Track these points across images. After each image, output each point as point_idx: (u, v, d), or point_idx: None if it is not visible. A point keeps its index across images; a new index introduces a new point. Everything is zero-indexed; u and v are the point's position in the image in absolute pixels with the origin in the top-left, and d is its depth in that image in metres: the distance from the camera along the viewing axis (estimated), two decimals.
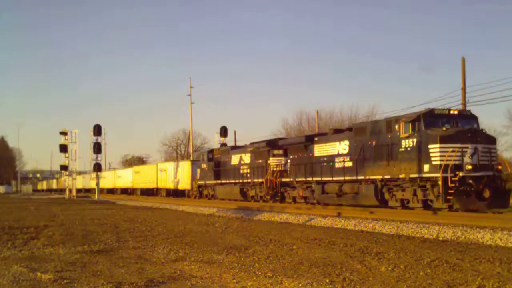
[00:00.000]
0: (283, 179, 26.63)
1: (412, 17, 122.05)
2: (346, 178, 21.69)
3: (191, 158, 54.12)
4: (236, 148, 34.54)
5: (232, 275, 7.98)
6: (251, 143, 31.62)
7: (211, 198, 35.85)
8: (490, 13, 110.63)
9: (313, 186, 24.12)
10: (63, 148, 52.30)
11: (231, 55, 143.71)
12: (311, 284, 7.23)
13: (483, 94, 42.78)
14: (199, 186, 38.17)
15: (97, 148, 48.94)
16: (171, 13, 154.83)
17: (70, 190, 55.55)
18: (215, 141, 50.02)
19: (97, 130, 48.54)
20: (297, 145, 26.02)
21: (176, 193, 47.13)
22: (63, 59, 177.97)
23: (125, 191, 64.61)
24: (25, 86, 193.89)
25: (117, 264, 9.21)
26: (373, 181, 20.16)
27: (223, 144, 38.98)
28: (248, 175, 30.10)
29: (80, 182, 73.33)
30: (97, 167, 49.47)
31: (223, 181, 33.51)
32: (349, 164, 21.64)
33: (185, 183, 43.36)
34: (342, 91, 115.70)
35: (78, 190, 72.85)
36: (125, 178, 63.98)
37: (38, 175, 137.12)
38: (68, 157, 52.82)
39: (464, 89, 28.55)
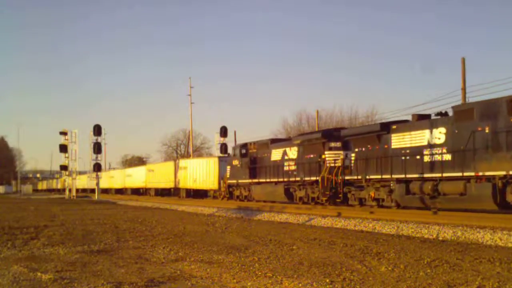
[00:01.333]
0: (347, 177, 22.19)
1: (412, 17, 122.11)
2: (445, 175, 17.32)
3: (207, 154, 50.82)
4: (277, 142, 29.42)
5: (232, 275, 7.98)
6: (299, 135, 27.48)
7: (243, 200, 31.31)
8: (489, 13, 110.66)
9: (392, 185, 19.76)
10: (63, 148, 52.32)
11: (231, 55, 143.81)
12: (311, 284, 7.23)
13: (483, 94, 42.88)
14: (229, 186, 33.36)
15: (97, 148, 48.94)
16: (171, 13, 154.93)
17: (70, 190, 55.54)
18: (215, 141, 50.08)
19: (97, 130, 48.54)
20: (366, 135, 21.30)
21: (197, 194, 42.52)
22: (63, 59, 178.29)
23: (136, 191, 59.72)
24: (25, 86, 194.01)
25: (117, 264, 9.21)
26: (490, 178, 15.85)
27: (244, 145, 31.58)
28: (295, 173, 25.67)
29: (85, 182, 71.41)
30: (97, 167, 49.47)
31: (261, 180, 28.84)
32: (447, 157, 17.39)
33: (210, 183, 38.50)
34: (342, 91, 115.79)
35: (83, 190, 72.49)
36: (137, 177, 58.60)
37: (38, 175, 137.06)
38: (68, 157, 52.84)
39: (464, 89, 28.56)
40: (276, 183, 27.17)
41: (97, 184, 50.07)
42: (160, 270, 8.52)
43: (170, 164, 48.74)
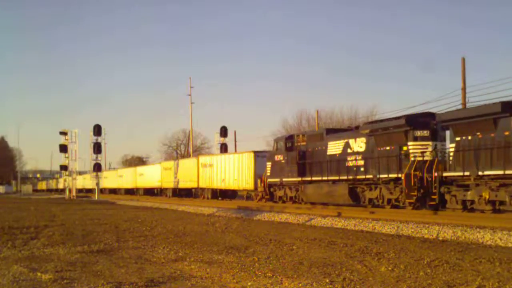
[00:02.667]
0: (446, 174, 17.47)
1: (412, 18, 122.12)
2: None
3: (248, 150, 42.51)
4: (335, 132, 24.53)
5: (232, 275, 7.98)
6: (369, 123, 22.47)
7: (287, 201, 26.51)
8: (489, 13, 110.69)
9: None
10: (63, 148, 52.36)
11: (231, 55, 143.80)
12: (311, 284, 7.23)
13: (483, 94, 42.73)
14: (270, 186, 28.21)
15: (97, 148, 49.06)
16: (171, 13, 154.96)
17: (70, 190, 55.56)
18: (215, 141, 50.10)
19: (97, 130, 48.65)
20: (476, 119, 16.46)
21: (225, 195, 37.57)
22: (63, 59, 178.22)
23: (149, 192, 54.77)
24: (25, 86, 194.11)
25: (117, 264, 9.21)
26: None
27: (290, 137, 27.01)
28: (362, 169, 21.10)
29: (89, 182, 68.15)
30: (97, 167, 49.55)
31: (315, 178, 23.93)
32: None
33: (244, 182, 33.30)
34: (342, 91, 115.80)
35: (88, 190, 71.48)
36: (150, 176, 53.57)
37: (38, 175, 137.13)
38: (68, 157, 52.87)
39: (464, 89, 28.53)
40: (334, 181, 22.64)
41: (97, 184, 50.12)
42: (160, 270, 8.52)
43: (193, 161, 42.98)
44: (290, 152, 26.10)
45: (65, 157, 53.01)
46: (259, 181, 29.85)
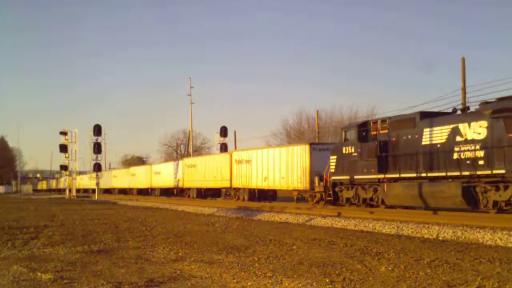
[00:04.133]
0: None
1: (412, 18, 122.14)
2: None
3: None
4: (434, 116, 18.91)
5: (232, 275, 7.98)
6: (495, 101, 16.45)
7: (360, 205, 21.22)
8: (490, 13, 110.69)
9: None
10: (63, 148, 52.46)
11: (231, 55, 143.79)
12: (311, 284, 7.23)
13: (483, 94, 42.69)
14: (334, 185, 22.84)
15: (97, 148, 49.09)
16: (171, 14, 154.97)
17: (70, 190, 55.57)
18: (215, 141, 50.10)
19: (97, 130, 48.69)
20: None
21: (265, 195, 32.24)
22: (63, 59, 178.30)
23: (166, 192, 49.48)
24: (25, 86, 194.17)
25: (117, 264, 9.21)
26: None
27: (363, 124, 21.81)
28: (480, 162, 16.09)
29: (93, 182, 66.72)
30: (97, 167, 49.59)
31: (404, 175, 18.79)
32: None
33: (295, 180, 27.66)
34: (342, 91, 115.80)
35: (93, 191, 70.48)
36: (168, 174, 48.30)
37: (38, 175, 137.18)
38: (68, 157, 52.96)
39: (464, 89, 28.54)
40: (433, 179, 17.67)
41: (97, 184, 50.16)
42: (160, 270, 8.52)
43: (225, 156, 37.46)
44: (365, 142, 21.05)
45: (65, 157, 53.12)
46: (316, 179, 24.43)
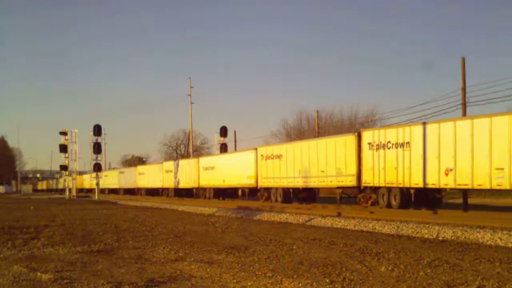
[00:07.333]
0: None
1: (412, 18, 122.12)
2: None
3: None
4: None
5: (232, 275, 7.98)
6: None
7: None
8: (489, 13, 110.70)
9: None
10: (63, 148, 52.42)
11: (231, 55, 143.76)
12: (311, 284, 7.23)
13: (483, 94, 42.65)
14: None
15: (97, 148, 49.07)
16: (171, 15, 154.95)
17: (70, 190, 55.55)
18: (215, 141, 50.07)
19: (97, 130, 48.67)
20: None
21: (298, 195, 28.93)
22: (63, 59, 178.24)
23: (180, 192, 45.15)
24: (25, 86, 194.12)
25: (117, 264, 9.21)
26: None
27: None
28: None
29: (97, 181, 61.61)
30: (97, 167, 49.57)
31: None
32: None
33: (346, 178, 23.72)
34: (342, 91, 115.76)
35: (102, 191, 68.56)
36: (185, 174, 43.63)
37: (38, 175, 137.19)
38: (68, 157, 52.92)
39: (464, 89, 28.50)
40: None
41: (97, 184, 50.14)
42: (160, 270, 8.52)
43: (249, 154, 33.24)
44: None
45: (65, 157, 53.06)
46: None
